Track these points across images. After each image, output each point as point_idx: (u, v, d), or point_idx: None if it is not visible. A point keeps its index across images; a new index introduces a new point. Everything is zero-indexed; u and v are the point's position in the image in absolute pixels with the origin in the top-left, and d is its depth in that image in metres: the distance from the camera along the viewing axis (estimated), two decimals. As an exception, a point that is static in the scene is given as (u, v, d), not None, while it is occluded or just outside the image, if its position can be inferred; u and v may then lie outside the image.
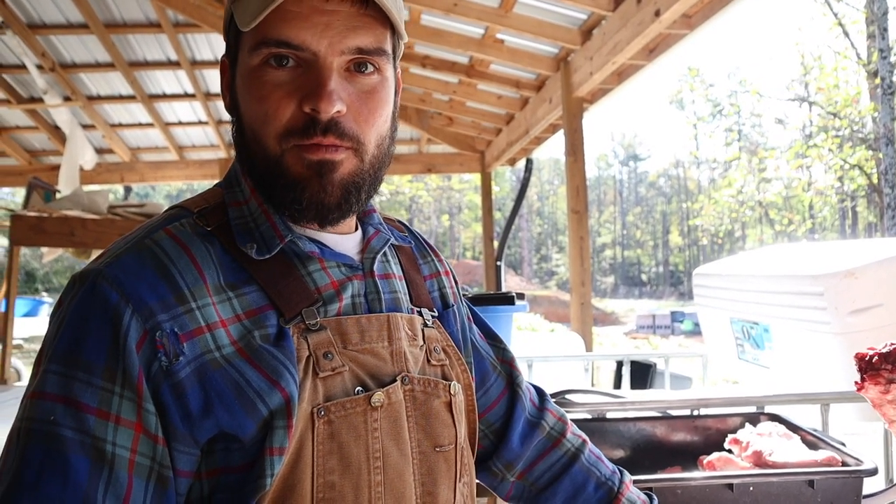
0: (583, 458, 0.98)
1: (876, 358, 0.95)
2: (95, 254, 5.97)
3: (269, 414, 0.65)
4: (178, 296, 0.66)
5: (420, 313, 0.84)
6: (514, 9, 4.54)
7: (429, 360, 0.81)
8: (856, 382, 0.98)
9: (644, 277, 56.43)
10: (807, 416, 1.52)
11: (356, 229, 0.83)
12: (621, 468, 1.00)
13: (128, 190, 9.34)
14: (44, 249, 6.12)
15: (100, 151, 7.85)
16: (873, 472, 1.13)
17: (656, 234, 56.08)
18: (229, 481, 0.66)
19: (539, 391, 1.05)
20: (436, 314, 0.87)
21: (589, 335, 4.65)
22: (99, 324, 0.63)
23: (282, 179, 0.71)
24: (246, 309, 0.69)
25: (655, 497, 0.99)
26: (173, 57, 6.27)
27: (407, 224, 0.98)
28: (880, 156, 14.74)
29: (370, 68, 0.72)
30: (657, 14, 3.43)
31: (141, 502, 0.62)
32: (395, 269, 0.86)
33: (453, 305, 0.93)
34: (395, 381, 0.74)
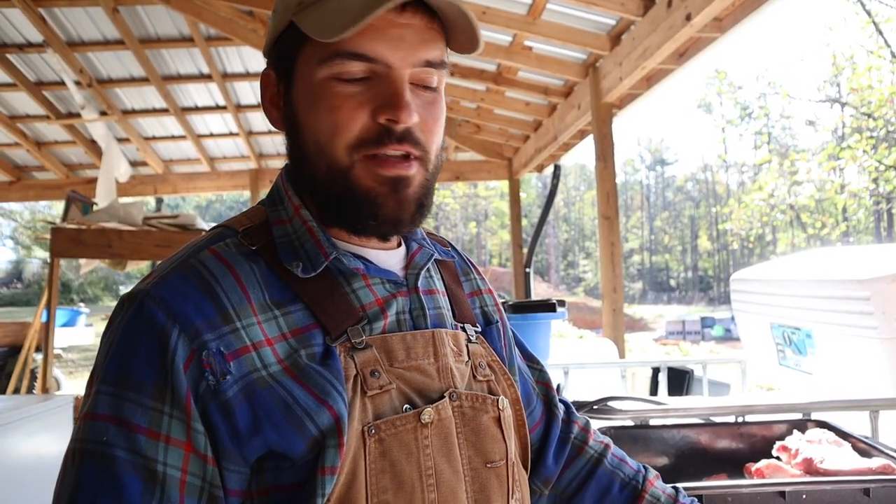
0: (606, 462, 0.99)
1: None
2: (131, 265, 6.11)
3: (319, 433, 0.65)
4: (224, 315, 0.66)
5: (463, 329, 0.84)
6: (543, 16, 4.54)
7: (474, 376, 0.80)
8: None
9: (673, 283, 55.71)
10: (852, 423, 1.50)
11: (399, 245, 0.83)
12: (646, 466, 1.01)
13: (159, 201, 9.51)
14: (81, 261, 6.26)
15: (134, 164, 8.01)
16: (930, 480, 1.10)
17: (685, 238, 55.38)
18: (281, 500, 0.66)
19: (565, 404, 1.05)
20: (479, 330, 0.87)
21: (621, 342, 4.61)
22: (147, 344, 0.64)
23: (352, 193, 0.71)
24: (292, 328, 0.69)
25: (683, 490, 0.99)
26: (205, 70, 6.39)
27: (450, 242, 0.98)
28: (917, 156, 14.39)
29: (434, 81, 0.73)
30: (688, 18, 3.40)
31: None
32: (438, 285, 0.85)
33: (497, 322, 0.92)
34: (443, 397, 0.74)
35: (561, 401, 1.05)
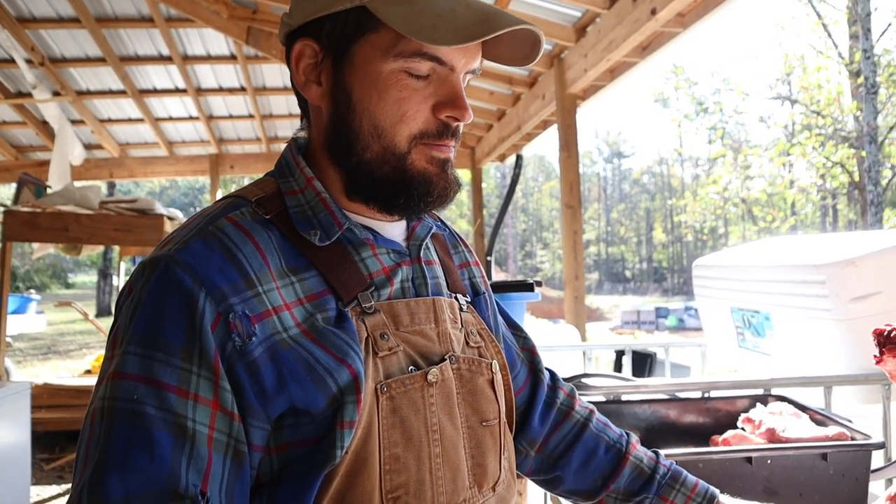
0: (591, 426, 1.05)
1: (894, 332, 1.01)
2: (86, 249, 5.94)
3: (338, 390, 0.69)
4: (247, 280, 0.69)
5: (456, 298, 0.89)
6: (510, 6, 4.58)
7: (467, 342, 0.86)
8: (875, 356, 1.04)
9: (628, 274, 56.82)
10: (808, 398, 1.59)
11: (400, 217, 0.87)
12: (628, 432, 1.07)
13: (111, 186, 9.23)
14: (34, 245, 6.07)
15: (88, 147, 7.78)
16: (881, 445, 1.20)
17: (640, 230, 56.47)
18: (300, 454, 0.69)
19: (550, 372, 1.12)
20: (469, 300, 0.92)
21: (583, 328, 4.72)
22: (175, 306, 0.66)
23: (405, 175, 0.77)
24: (307, 293, 0.73)
25: (662, 454, 1.05)
26: (165, 52, 6.25)
27: (439, 216, 1.02)
28: (863, 154, 14.96)
29: (469, 79, 0.80)
30: (653, 12, 3.49)
31: (220, 475, 0.65)
32: (434, 256, 0.91)
33: (484, 293, 0.99)
34: (444, 359, 0.80)
35: (546, 368, 1.10)
